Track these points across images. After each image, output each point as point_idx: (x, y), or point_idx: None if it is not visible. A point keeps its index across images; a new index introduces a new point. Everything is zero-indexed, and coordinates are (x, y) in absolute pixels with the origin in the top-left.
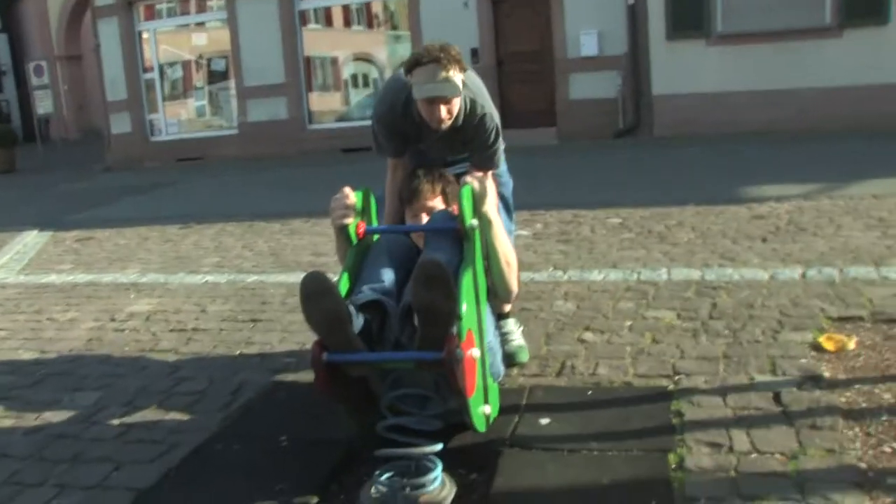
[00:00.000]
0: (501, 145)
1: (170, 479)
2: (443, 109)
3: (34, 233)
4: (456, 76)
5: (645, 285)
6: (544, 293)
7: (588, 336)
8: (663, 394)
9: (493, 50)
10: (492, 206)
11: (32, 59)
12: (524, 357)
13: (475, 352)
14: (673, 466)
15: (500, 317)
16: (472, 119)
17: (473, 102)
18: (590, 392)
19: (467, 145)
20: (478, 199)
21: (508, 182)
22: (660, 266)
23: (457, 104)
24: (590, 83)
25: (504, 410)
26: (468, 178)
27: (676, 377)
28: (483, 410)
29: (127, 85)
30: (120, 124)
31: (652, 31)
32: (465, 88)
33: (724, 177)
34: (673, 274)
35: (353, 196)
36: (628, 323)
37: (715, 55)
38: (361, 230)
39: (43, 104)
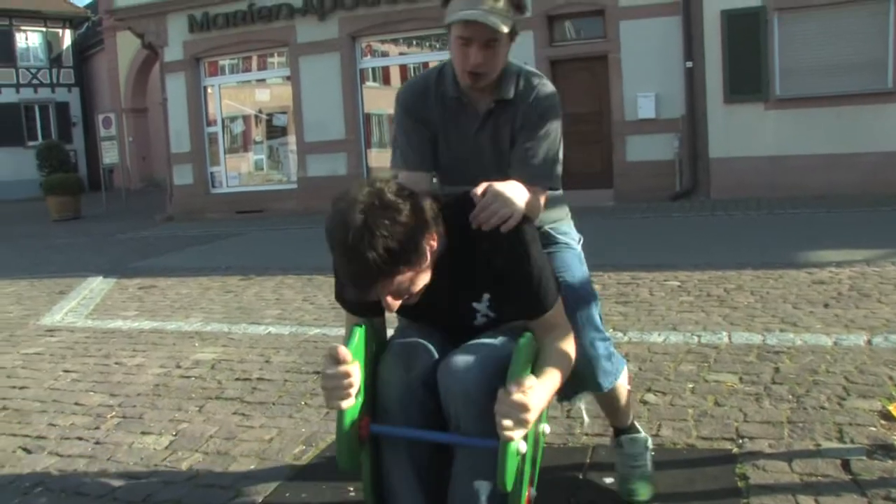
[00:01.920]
0: (560, 154)
1: None
2: (478, 53)
3: (99, 279)
4: (507, 10)
5: (706, 348)
6: None
7: (650, 397)
8: (727, 457)
9: None
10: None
11: (101, 111)
12: (644, 493)
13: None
14: None
15: (620, 431)
16: (526, 94)
17: (528, 73)
18: (653, 452)
19: (515, 142)
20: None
21: (571, 255)
22: (720, 329)
23: (501, 54)
24: (647, 145)
25: (568, 468)
26: (506, 432)
27: (740, 440)
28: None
29: (191, 138)
30: (182, 176)
31: (710, 93)
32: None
33: (782, 241)
34: (734, 337)
35: (350, 364)
36: (690, 385)
37: (773, 118)
38: (365, 430)
39: (109, 154)
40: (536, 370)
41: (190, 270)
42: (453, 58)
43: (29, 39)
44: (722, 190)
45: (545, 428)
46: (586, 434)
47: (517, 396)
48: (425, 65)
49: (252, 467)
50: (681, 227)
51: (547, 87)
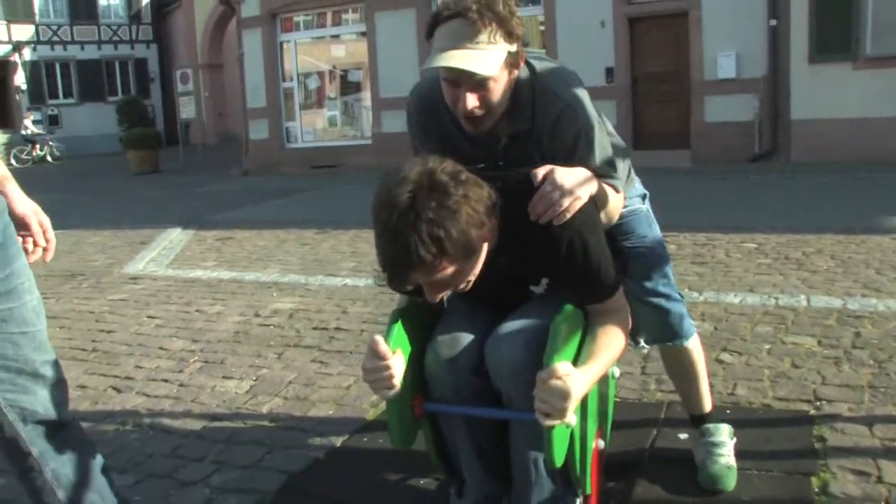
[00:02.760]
0: (616, 171)
1: (320, 464)
2: (470, 97)
3: (178, 230)
4: (497, 42)
5: (783, 311)
6: None
7: (725, 357)
8: (805, 418)
9: (628, 69)
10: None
11: (179, 66)
12: (730, 484)
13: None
14: (816, 490)
15: (699, 420)
16: (545, 122)
17: (541, 90)
18: (728, 411)
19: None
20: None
21: (637, 219)
22: (798, 293)
23: (499, 90)
24: (726, 105)
25: (643, 423)
26: (546, 421)
27: (818, 403)
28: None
29: (267, 93)
30: (258, 130)
31: (794, 52)
32: (533, 74)
33: (865, 205)
34: (812, 301)
35: (389, 358)
36: (767, 346)
37: (861, 79)
38: (419, 409)
39: (186, 109)
40: (584, 351)
41: (266, 223)
42: (446, 97)
43: None
44: (803, 152)
45: (616, 371)
46: (661, 391)
47: (554, 383)
48: None
49: (330, 413)
50: (759, 190)
51: (562, 99)
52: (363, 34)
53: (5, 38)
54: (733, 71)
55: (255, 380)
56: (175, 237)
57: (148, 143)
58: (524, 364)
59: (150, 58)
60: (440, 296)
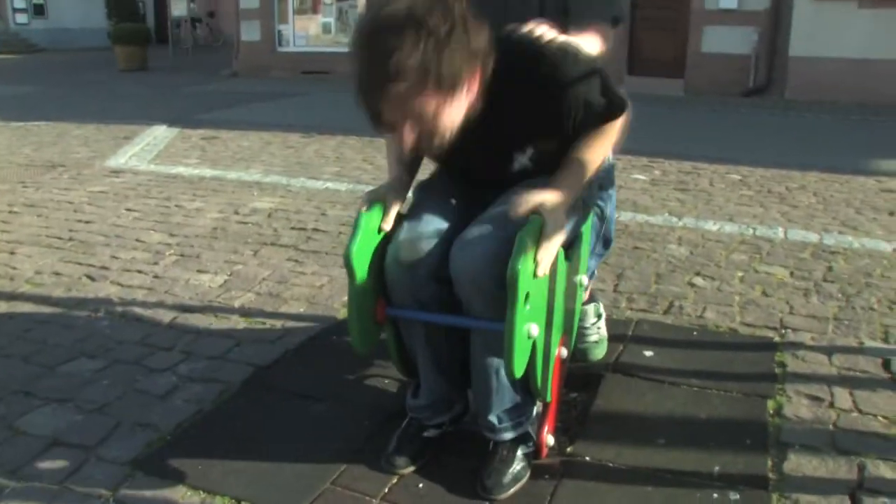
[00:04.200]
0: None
1: (286, 359)
2: None
3: (163, 128)
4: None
5: (760, 241)
6: (658, 236)
7: (698, 281)
8: (768, 344)
9: None
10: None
11: None
12: (600, 353)
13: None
14: (770, 412)
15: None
16: None
17: None
18: (695, 332)
19: None
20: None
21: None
22: (777, 225)
23: None
24: (724, 37)
25: (610, 339)
26: (533, 199)
27: (783, 331)
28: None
29: None
30: (249, 32)
31: None
32: None
33: (854, 147)
34: (789, 234)
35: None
36: (740, 274)
37: (866, 18)
38: (381, 314)
39: (177, 7)
40: (563, 159)
41: (253, 125)
42: None
43: None
44: (798, 90)
45: (583, 279)
46: (631, 308)
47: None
48: None
49: (301, 310)
50: (749, 124)
51: None
52: None
53: None
54: (735, 1)
55: (230, 275)
56: (160, 134)
57: (137, 39)
58: (486, 273)
59: None
60: (412, 142)
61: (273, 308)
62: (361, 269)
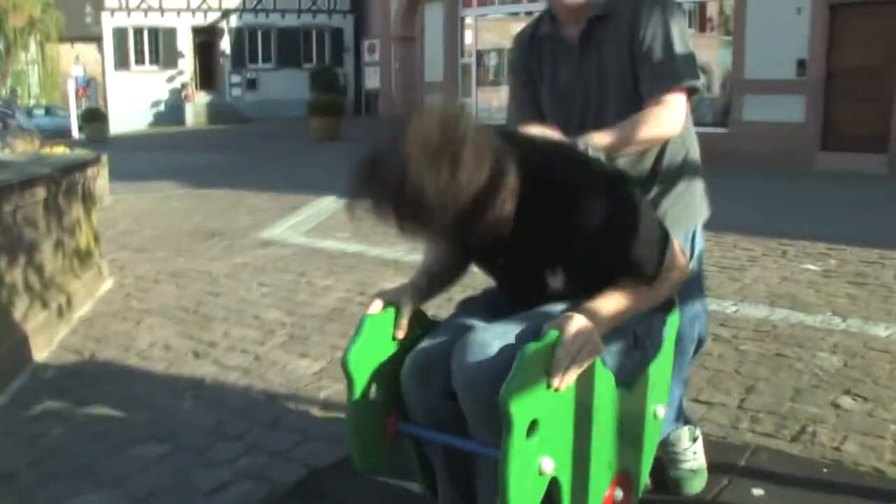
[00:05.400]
0: (698, 75)
1: (345, 463)
2: None
3: (332, 198)
4: None
5: None
6: (810, 341)
7: (845, 401)
8: None
9: (823, 62)
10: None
11: (371, 37)
12: (697, 486)
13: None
14: None
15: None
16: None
17: None
18: (826, 469)
19: (632, 54)
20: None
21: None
22: None
23: None
24: None
25: (715, 468)
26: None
27: None
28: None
29: (444, 68)
30: None
31: None
32: None
33: None
34: None
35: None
36: None
37: None
38: (391, 429)
39: (371, 79)
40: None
41: None
42: None
43: None
44: None
45: (658, 410)
46: (752, 431)
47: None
48: (702, 7)
49: None
50: None
51: None
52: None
53: (216, 6)
54: None
55: (329, 362)
56: (326, 205)
57: (330, 110)
58: (486, 386)
59: (346, 28)
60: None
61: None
62: (362, 376)
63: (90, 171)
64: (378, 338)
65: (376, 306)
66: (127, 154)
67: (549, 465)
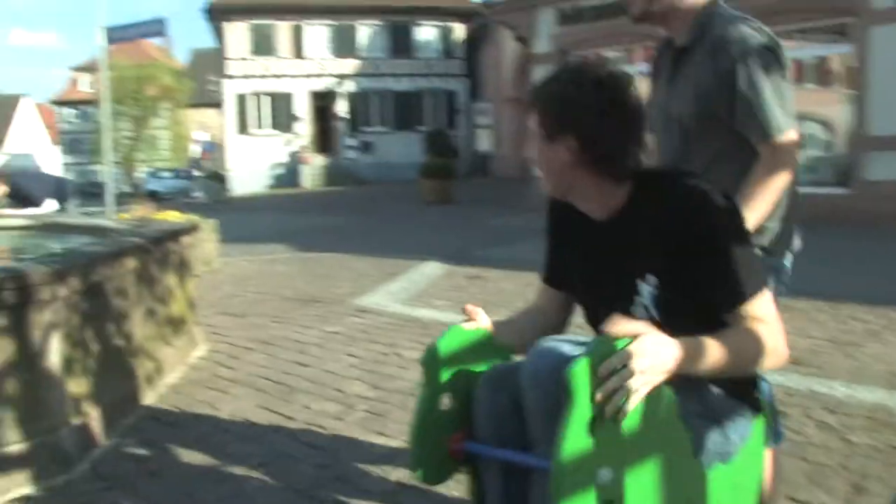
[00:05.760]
0: (775, 98)
1: None
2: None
3: (435, 264)
4: None
5: None
6: None
7: None
8: None
9: None
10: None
11: (486, 101)
12: None
13: None
14: None
15: None
16: (704, 38)
17: (724, 17)
18: None
19: (706, 86)
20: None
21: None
22: None
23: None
24: None
25: None
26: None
27: None
28: None
29: None
30: None
31: None
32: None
33: None
34: None
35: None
36: None
37: None
38: (457, 447)
39: (483, 142)
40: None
41: (524, 264)
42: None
43: (426, 33)
44: None
45: None
46: None
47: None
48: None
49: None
50: None
51: (740, 28)
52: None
53: (332, 72)
54: None
55: (405, 442)
56: (428, 271)
57: (441, 174)
58: (549, 374)
59: (461, 90)
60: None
61: (423, 490)
62: (437, 378)
63: (186, 240)
64: (461, 350)
65: (469, 324)
66: (244, 216)
67: (604, 476)
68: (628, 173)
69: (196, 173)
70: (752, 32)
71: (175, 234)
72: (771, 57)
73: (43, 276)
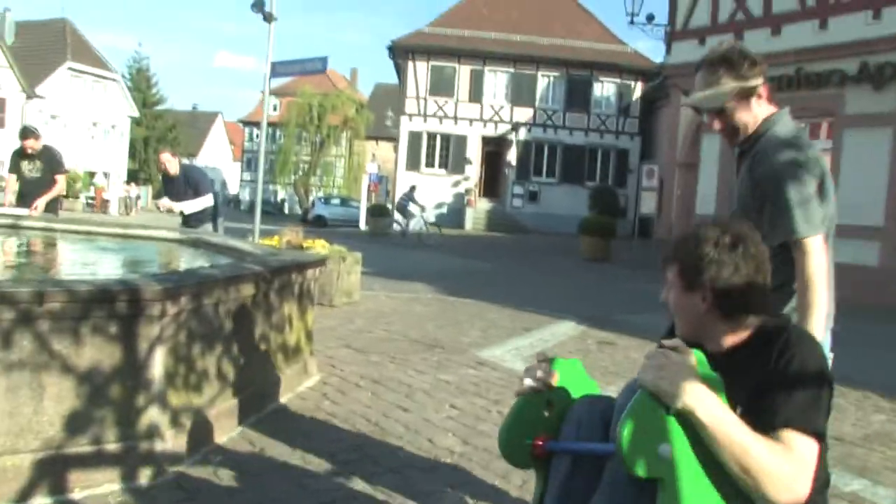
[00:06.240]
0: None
1: None
2: (712, 119)
3: (571, 324)
4: (725, 84)
5: None
6: None
7: None
8: None
9: None
10: (691, 397)
11: (654, 162)
12: None
13: None
14: None
15: None
16: (751, 146)
17: (776, 131)
18: None
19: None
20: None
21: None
22: None
23: (732, 112)
24: None
25: None
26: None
27: None
28: None
29: (717, 200)
30: None
31: None
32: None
33: None
34: None
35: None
36: None
37: None
38: (540, 447)
39: (646, 204)
40: None
41: (661, 334)
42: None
43: (604, 89)
44: None
45: None
46: None
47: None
48: None
49: None
50: None
51: (779, 141)
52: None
53: (507, 119)
54: None
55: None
56: (560, 330)
57: (601, 231)
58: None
59: (633, 149)
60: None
61: None
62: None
63: (312, 273)
64: (570, 374)
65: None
66: (399, 251)
67: (666, 450)
68: (754, 319)
69: (362, 203)
70: (788, 149)
71: (301, 265)
72: (801, 171)
73: (155, 293)
